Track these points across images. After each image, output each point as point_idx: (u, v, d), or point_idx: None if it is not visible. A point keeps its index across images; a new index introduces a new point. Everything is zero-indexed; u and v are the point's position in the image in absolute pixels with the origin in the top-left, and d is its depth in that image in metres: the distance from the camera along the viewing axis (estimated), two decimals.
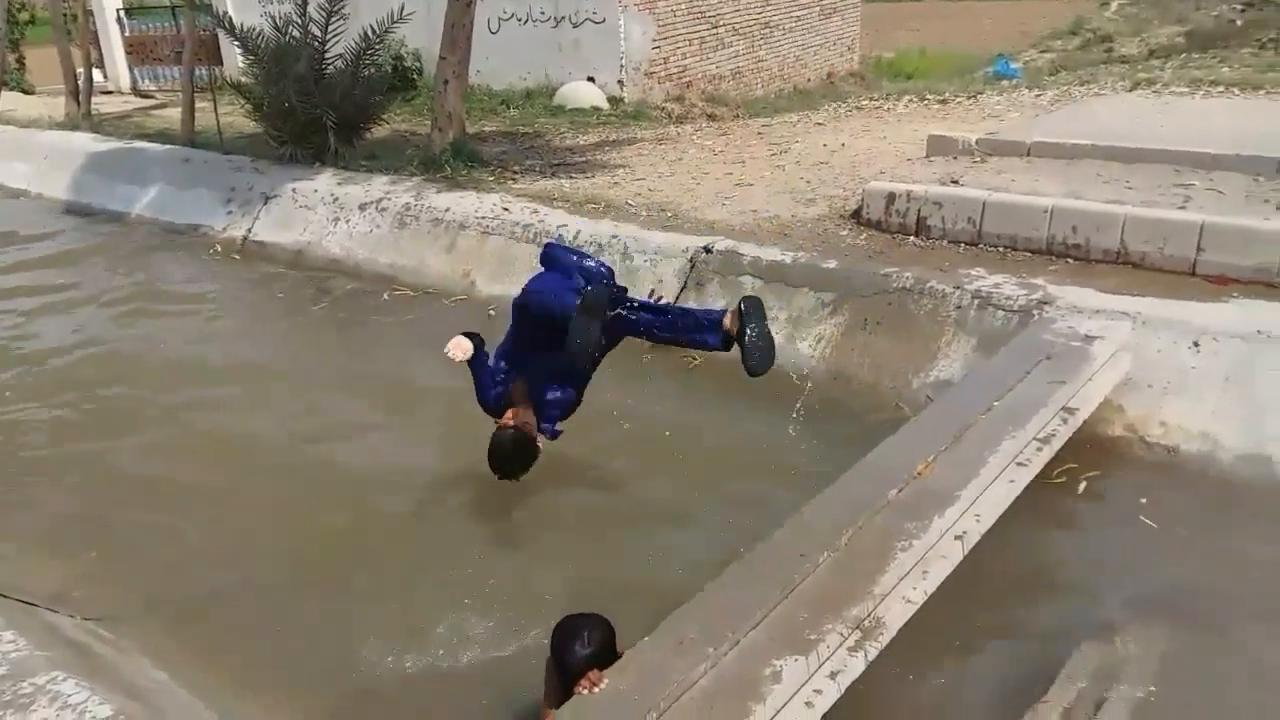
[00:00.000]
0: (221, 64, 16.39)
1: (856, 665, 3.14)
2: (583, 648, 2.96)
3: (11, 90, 17.42)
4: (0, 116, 14.96)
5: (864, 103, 12.94)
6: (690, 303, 6.90)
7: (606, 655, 2.99)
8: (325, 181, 9.90)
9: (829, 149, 9.80)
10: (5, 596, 4.15)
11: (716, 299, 6.80)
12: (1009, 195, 6.67)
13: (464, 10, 9.92)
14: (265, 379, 6.65)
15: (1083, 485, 4.72)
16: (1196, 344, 5.11)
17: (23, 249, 10.22)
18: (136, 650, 4.13)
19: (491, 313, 7.24)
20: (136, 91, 18.31)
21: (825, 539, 3.59)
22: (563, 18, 14.48)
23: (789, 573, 3.41)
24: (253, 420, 6.01)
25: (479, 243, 8.40)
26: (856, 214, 7.38)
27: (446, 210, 8.78)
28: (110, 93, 17.55)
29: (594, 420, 5.24)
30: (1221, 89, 10.24)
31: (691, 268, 7.07)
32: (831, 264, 6.56)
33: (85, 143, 12.73)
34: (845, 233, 7.18)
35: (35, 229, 10.88)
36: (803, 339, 6.28)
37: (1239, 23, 16.52)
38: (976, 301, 5.82)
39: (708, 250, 7.08)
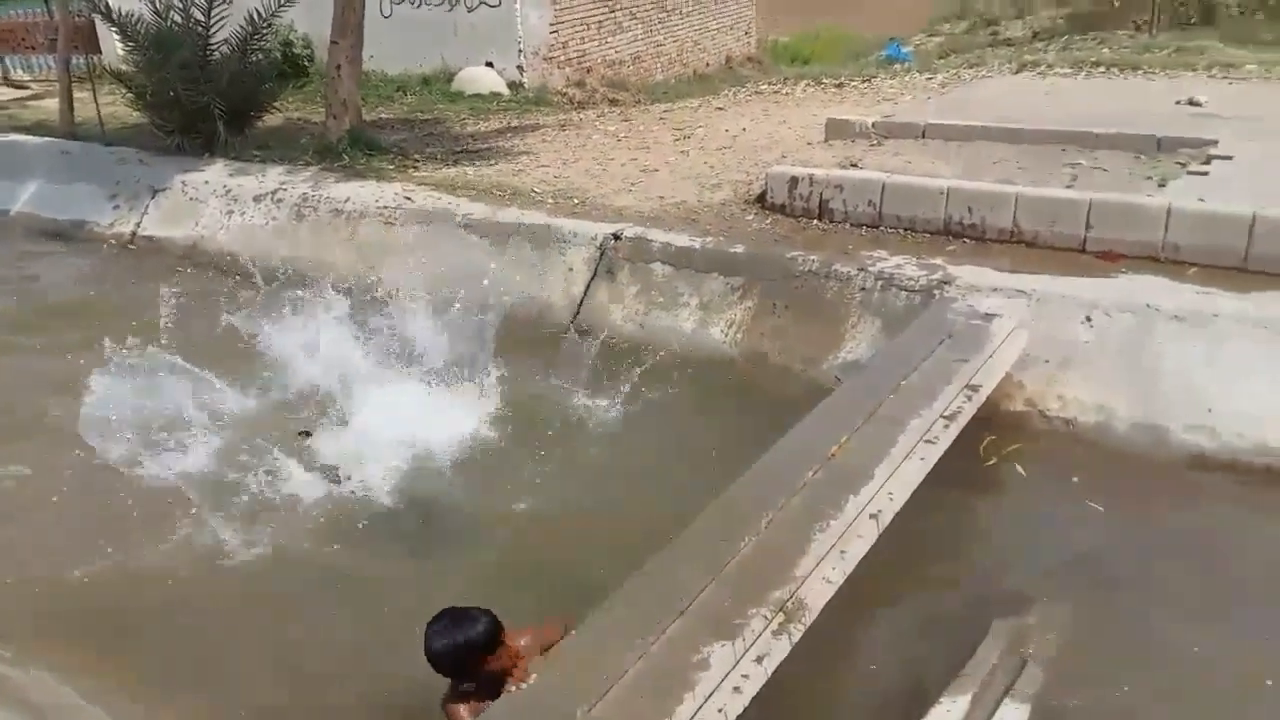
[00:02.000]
0: (100, 52, 15.58)
1: (781, 648, 3.20)
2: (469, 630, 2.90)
3: None
4: None
5: (763, 87, 13.08)
6: (602, 291, 6.90)
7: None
8: (216, 173, 9.54)
9: (731, 134, 9.88)
10: None
11: (628, 286, 6.82)
12: (907, 177, 6.85)
13: None
14: None
15: (987, 460, 4.89)
16: (1089, 319, 5.34)
17: None
18: (37, 666, 3.97)
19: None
20: (8, 81, 17.27)
21: (747, 522, 3.65)
22: (457, 2, 14.23)
23: (713, 557, 3.46)
24: None
25: (380, 232, 8.22)
26: (761, 198, 7.47)
27: (346, 200, 8.57)
28: None
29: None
30: (1103, 70, 10.69)
31: (601, 255, 7.06)
32: (739, 249, 6.63)
33: None
34: (751, 217, 7.27)
35: None
36: (714, 324, 6.34)
37: (1116, 3, 17.26)
38: (880, 283, 5.97)
39: (617, 237, 7.08)
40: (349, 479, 5.07)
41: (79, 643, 4.11)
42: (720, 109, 11.61)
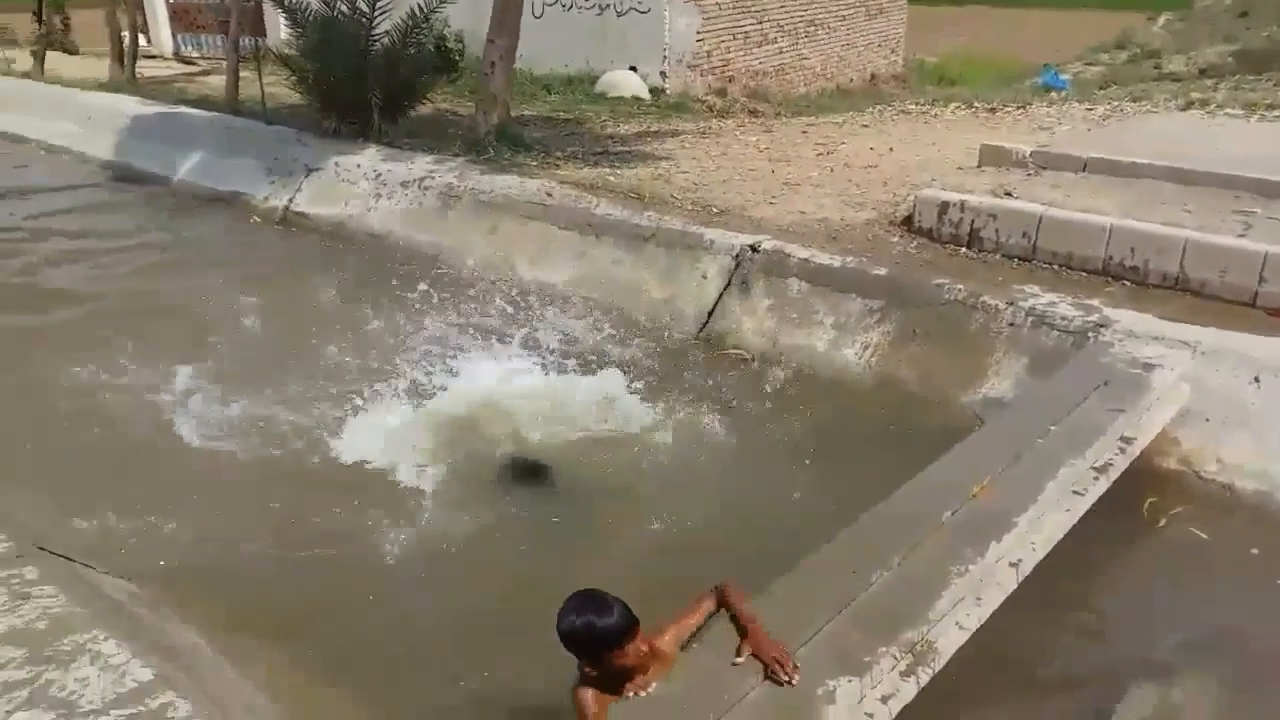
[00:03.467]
0: (265, 34, 16.37)
1: (909, 690, 3.08)
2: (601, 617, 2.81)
3: (55, 51, 17.47)
4: (46, 76, 15.02)
5: (910, 107, 12.78)
6: (734, 302, 6.84)
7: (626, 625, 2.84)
8: (369, 157, 9.87)
9: (877, 153, 9.68)
10: (45, 550, 4.10)
11: (762, 299, 6.74)
12: (1066, 212, 6.56)
13: None
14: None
15: (1154, 520, 4.63)
16: (1257, 379, 5.00)
17: (63, 202, 10.35)
18: (169, 611, 4.13)
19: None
20: (179, 58, 18.34)
21: (878, 557, 3.54)
22: (607, 5, 14.41)
23: (842, 589, 3.36)
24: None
25: (520, 227, 8.35)
26: (907, 221, 7.29)
27: (490, 193, 8.74)
28: (153, 57, 17.56)
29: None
30: (1278, 114, 10.05)
31: (737, 266, 6.99)
32: (881, 271, 6.47)
33: (130, 105, 12.73)
34: (895, 240, 7.09)
35: (79, 186, 10.98)
36: (849, 346, 6.20)
37: None
38: (1030, 320, 5.72)
39: (754, 249, 7.00)
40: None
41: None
42: (865, 126, 11.41)
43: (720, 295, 6.96)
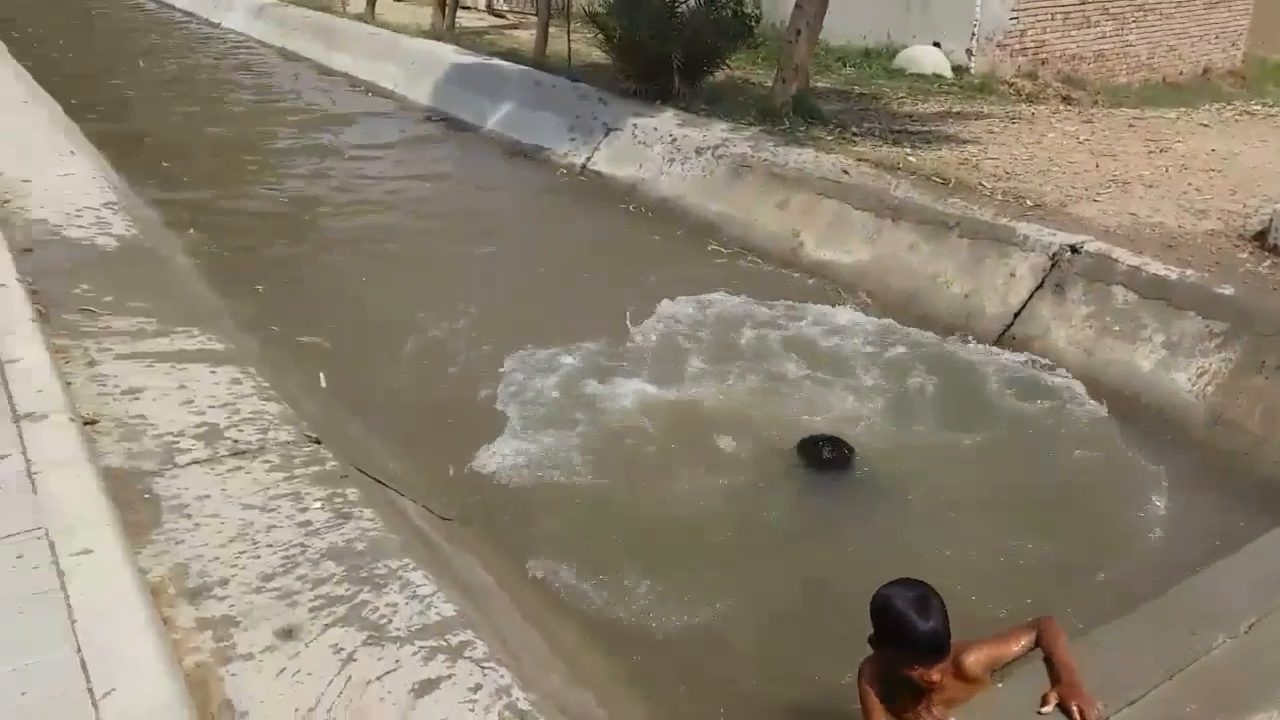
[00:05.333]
0: None
1: None
2: (926, 620, 2.56)
3: None
4: (375, 20, 16.28)
5: (1256, 107, 11.38)
6: (1045, 306, 6.34)
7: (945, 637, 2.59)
8: (666, 121, 9.96)
9: (1219, 156, 8.67)
10: (363, 473, 4.37)
11: (1078, 306, 6.20)
12: None
13: None
14: None
15: None
16: None
17: (389, 141, 11.24)
18: (468, 549, 4.31)
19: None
20: (490, 10, 19.34)
21: (1222, 620, 3.13)
22: None
23: (1175, 651, 2.99)
24: None
25: (813, 203, 8.14)
26: (1260, 237, 6.45)
27: (784, 165, 8.58)
28: (468, 8, 18.60)
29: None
30: None
31: (1052, 267, 6.47)
32: (1226, 289, 5.77)
33: (449, 54, 13.55)
34: (1245, 256, 6.30)
35: (401, 127, 11.88)
36: (1180, 369, 5.58)
37: None
38: None
39: (1074, 250, 6.45)
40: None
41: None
42: (1204, 125, 10.26)
43: (1029, 296, 6.47)
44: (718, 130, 9.60)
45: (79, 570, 2.86)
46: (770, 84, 10.70)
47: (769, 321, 6.60)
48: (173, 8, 22.37)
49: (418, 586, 3.20)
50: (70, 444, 3.57)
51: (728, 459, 5.00)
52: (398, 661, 2.84)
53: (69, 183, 7.33)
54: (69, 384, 4.18)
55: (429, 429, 5.28)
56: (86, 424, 3.92)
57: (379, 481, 4.41)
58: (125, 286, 5.58)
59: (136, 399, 4.28)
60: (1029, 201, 7.38)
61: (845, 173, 8.28)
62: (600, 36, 11.38)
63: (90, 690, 2.43)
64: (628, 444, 5.15)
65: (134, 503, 3.48)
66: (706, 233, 8.42)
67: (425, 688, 2.75)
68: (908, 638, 2.59)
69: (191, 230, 8.02)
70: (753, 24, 14.67)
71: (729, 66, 11.62)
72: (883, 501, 4.76)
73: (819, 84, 12.18)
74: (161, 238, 7.27)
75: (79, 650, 2.54)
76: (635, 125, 10.00)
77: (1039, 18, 13.76)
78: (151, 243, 6.64)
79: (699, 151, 9.25)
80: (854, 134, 9.54)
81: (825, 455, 4.95)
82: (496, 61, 12.97)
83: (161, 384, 4.46)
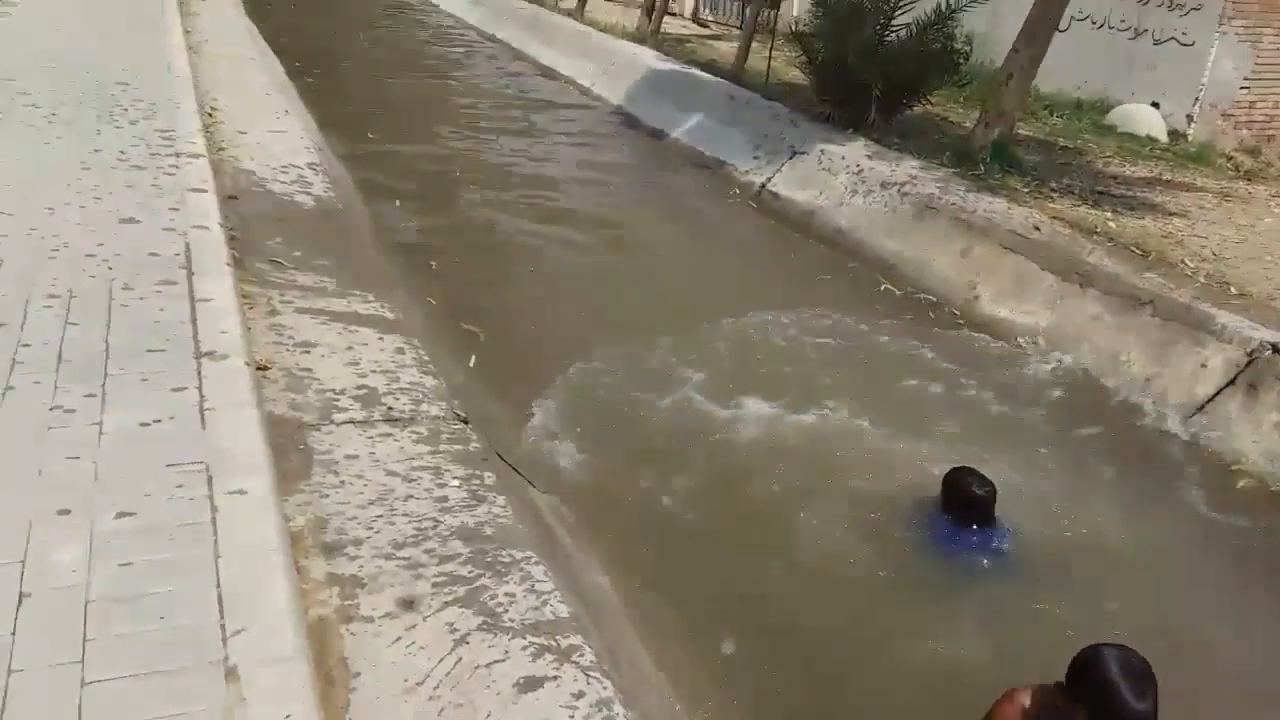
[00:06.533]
0: (778, 8, 16.85)
1: None
2: (1140, 701, 2.35)
3: None
4: (584, 19, 16.68)
5: None
6: (1233, 404, 5.87)
7: None
8: (855, 150, 9.77)
9: None
10: (503, 460, 4.45)
11: (1271, 411, 5.71)
12: None
13: (1059, 2, 9.17)
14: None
15: None
16: None
17: (576, 136, 11.56)
18: (589, 550, 4.33)
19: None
20: (695, 19, 19.48)
21: None
22: (1145, 30, 12.96)
23: None
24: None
25: (996, 256, 7.81)
26: None
27: (972, 212, 8.27)
28: (674, 15, 18.79)
29: None
30: None
31: (1249, 363, 5.98)
32: None
33: (648, 58, 13.75)
34: None
35: (590, 123, 12.18)
36: None
37: None
38: None
39: (1276, 349, 5.94)
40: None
41: None
42: None
43: (1217, 391, 6.01)
44: (907, 166, 9.35)
45: (230, 509, 3.02)
46: (969, 124, 10.35)
47: (931, 369, 6.41)
48: None
49: (537, 581, 3.23)
50: (242, 387, 3.78)
51: (867, 500, 4.85)
52: (507, 653, 2.88)
53: (279, 139, 7.82)
54: (249, 329, 4.44)
55: (566, 427, 5.34)
56: (259, 369, 4.16)
57: (515, 470, 4.49)
58: (314, 244, 5.90)
59: (307, 353, 4.51)
60: (1233, 289, 6.85)
61: (1036, 229, 7.91)
62: (801, 56, 11.27)
63: (222, 626, 2.56)
64: (765, 472, 5.08)
65: (289, 451, 3.67)
66: (879, 269, 8.22)
67: (530, 685, 2.78)
68: (1111, 709, 2.39)
69: (398, 202, 8.39)
70: (961, 60, 14.30)
71: (929, 101, 11.29)
72: (1037, 576, 4.50)
73: (1021, 131, 11.68)
74: (353, 202, 7.65)
75: (218, 585, 2.69)
76: (823, 151, 9.85)
77: (1273, 89, 12.78)
78: (344, 205, 7.00)
79: (884, 186, 9.02)
80: (1052, 189, 9.09)
81: (976, 491, 4.65)
82: (693, 71, 13.05)
83: (332, 341, 4.69)
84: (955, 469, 4.78)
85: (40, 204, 5.32)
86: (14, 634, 2.46)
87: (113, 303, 4.29)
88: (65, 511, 2.92)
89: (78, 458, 3.18)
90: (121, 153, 6.35)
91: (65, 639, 2.46)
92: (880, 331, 6.91)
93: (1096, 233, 7.80)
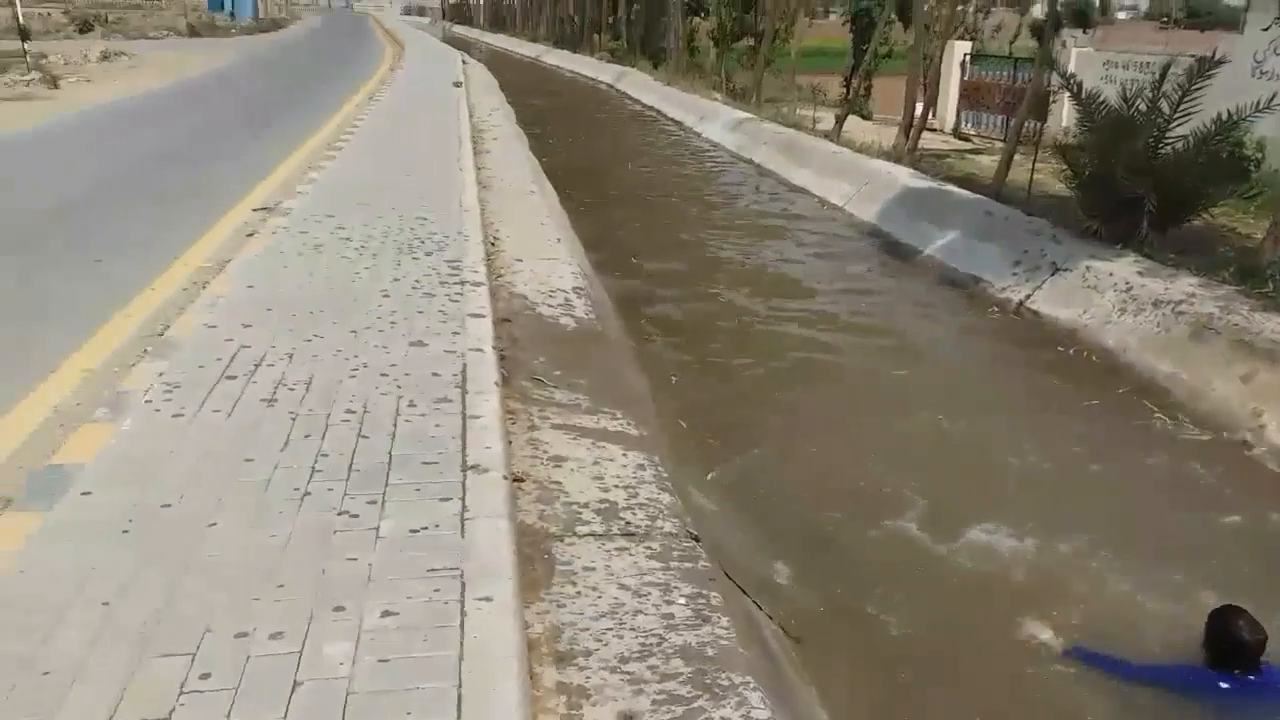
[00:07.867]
0: (1045, 120, 16.40)
1: None
2: None
3: (855, 115, 19.72)
4: (842, 138, 17.04)
5: None
6: None
7: None
8: (1124, 267, 9.27)
9: None
10: (730, 579, 4.54)
11: None
12: None
13: None
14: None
15: None
16: None
17: (826, 253, 11.74)
18: (810, 679, 4.30)
19: None
20: (956, 133, 19.33)
21: None
22: None
23: None
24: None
25: None
26: None
27: (1258, 334, 7.58)
28: (934, 130, 18.75)
29: None
30: None
31: None
32: None
33: (902, 175, 13.80)
34: None
35: (841, 241, 12.36)
36: None
37: None
38: None
39: None
40: None
41: None
42: None
43: None
44: (1184, 284, 8.73)
45: (477, 614, 3.36)
46: (1258, 237, 9.54)
47: (1204, 505, 5.90)
48: (663, 115, 25.16)
49: (753, 708, 3.27)
50: (499, 498, 4.19)
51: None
52: None
53: (550, 266, 8.58)
54: (509, 444, 4.91)
55: (793, 547, 5.38)
56: (515, 481, 4.58)
57: (742, 590, 4.58)
58: (573, 364, 6.41)
59: (558, 467, 4.91)
60: None
61: None
62: (1066, 170, 10.90)
63: None
64: (1012, 611, 4.87)
65: (535, 560, 4.00)
66: (1147, 393, 7.69)
67: None
68: None
69: (656, 337, 8.80)
70: (1252, 168, 13.18)
71: (1209, 215, 10.52)
72: None
73: None
74: (611, 323, 8.21)
75: (459, 685, 2.99)
76: (1088, 268, 9.41)
77: None
78: (603, 326, 7.54)
79: (1156, 304, 8.47)
80: None
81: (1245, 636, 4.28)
82: (949, 188, 12.93)
83: (581, 456, 5.07)
84: (1226, 606, 4.47)
85: (347, 327, 6.19)
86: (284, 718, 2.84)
87: (399, 418, 4.90)
88: (340, 608, 3.37)
89: (356, 559, 3.66)
90: (416, 281, 7.26)
91: None
92: (1143, 456, 6.47)
93: None
